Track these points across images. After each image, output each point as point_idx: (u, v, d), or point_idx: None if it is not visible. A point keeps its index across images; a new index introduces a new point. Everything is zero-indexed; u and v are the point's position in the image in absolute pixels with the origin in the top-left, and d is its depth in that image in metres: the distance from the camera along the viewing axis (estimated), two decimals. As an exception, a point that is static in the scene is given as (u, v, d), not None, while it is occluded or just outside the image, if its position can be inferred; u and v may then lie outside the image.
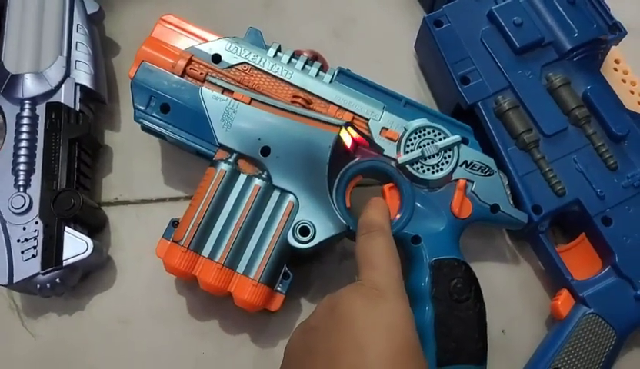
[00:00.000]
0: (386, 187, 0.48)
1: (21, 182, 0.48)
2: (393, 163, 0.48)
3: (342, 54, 0.57)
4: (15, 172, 0.48)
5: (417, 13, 0.60)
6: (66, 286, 0.47)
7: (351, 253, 0.52)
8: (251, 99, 0.47)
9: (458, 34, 0.52)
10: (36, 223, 0.47)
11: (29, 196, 0.47)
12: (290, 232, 0.45)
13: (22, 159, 0.48)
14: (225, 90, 0.47)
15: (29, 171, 0.48)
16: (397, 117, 0.48)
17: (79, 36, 0.53)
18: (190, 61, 0.48)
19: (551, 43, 0.52)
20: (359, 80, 0.50)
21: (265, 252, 0.45)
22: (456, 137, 0.48)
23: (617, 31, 0.53)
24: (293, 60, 0.49)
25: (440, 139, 0.48)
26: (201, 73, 0.47)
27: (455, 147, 0.48)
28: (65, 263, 0.46)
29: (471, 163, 0.48)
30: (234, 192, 0.45)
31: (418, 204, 0.47)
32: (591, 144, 0.50)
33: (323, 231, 0.45)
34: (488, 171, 0.48)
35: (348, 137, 0.47)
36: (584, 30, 0.52)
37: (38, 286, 0.46)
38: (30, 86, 0.50)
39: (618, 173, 0.49)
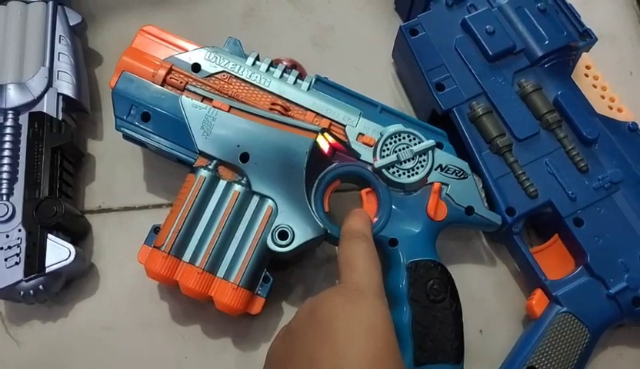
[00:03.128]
0: (363, 191, 0.49)
1: (3, 191, 0.48)
2: (370, 167, 0.49)
3: (321, 63, 0.59)
4: None
5: (394, 22, 0.61)
6: (49, 293, 0.48)
7: (332, 257, 0.53)
8: (230, 107, 0.48)
9: (432, 43, 0.54)
10: (19, 230, 0.48)
11: (12, 204, 0.48)
12: (269, 236, 0.46)
13: (5, 168, 0.49)
14: (204, 98, 0.48)
15: (12, 180, 0.49)
16: (373, 123, 0.50)
17: (62, 47, 0.54)
18: (170, 71, 0.48)
19: (522, 50, 0.53)
20: (336, 87, 0.51)
21: (244, 256, 0.45)
22: (430, 142, 0.49)
23: (587, 37, 0.54)
24: (271, 68, 0.50)
25: (415, 144, 0.49)
26: (181, 82, 0.48)
27: (430, 152, 0.49)
28: (47, 269, 0.46)
29: (446, 166, 0.49)
30: (214, 198, 0.46)
31: (395, 208, 0.48)
32: (563, 148, 0.51)
33: (301, 235, 0.46)
34: (462, 174, 0.49)
35: (325, 142, 0.48)
36: (554, 37, 0.53)
37: (22, 293, 0.47)
38: (13, 96, 0.51)
39: (588, 175, 0.51)
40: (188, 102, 0.48)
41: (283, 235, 0.46)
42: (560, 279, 0.49)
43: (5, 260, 0.47)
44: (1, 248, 0.47)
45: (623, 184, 0.51)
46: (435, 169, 0.49)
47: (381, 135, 0.49)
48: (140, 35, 0.50)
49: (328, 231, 0.47)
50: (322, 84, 0.51)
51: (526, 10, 0.54)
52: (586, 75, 0.57)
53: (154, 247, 0.45)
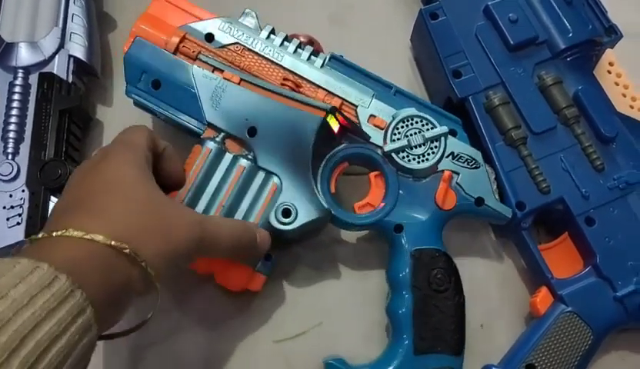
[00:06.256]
0: (372, 174, 0.49)
1: (9, 150, 0.48)
2: (379, 151, 0.48)
3: (338, 41, 0.57)
4: (4, 140, 0.49)
5: (414, 5, 0.60)
6: None
7: (335, 240, 0.52)
8: (241, 79, 0.47)
9: (453, 28, 0.52)
10: (22, 191, 0.47)
11: (17, 164, 0.48)
12: (272, 213, 0.45)
13: (12, 127, 0.49)
14: (215, 69, 0.47)
15: (18, 140, 0.49)
16: (386, 105, 0.49)
17: (76, 8, 0.53)
18: (183, 39, 0.47)
19: (545, 42, 0.52)
20: (351, 66, 0.50)
21: None
22: (443, 129, 0.48)
23: (612, 33, 0.53)
24: (286, 43, 0.49)
25: (428, 129, 0.48)
26: (194, 51, 0.47)
27: (442, 138, 0.48)
28: None
29: (458, 155, 0.48)
30: (219, 171, 0.45)
31: (403, 193, 0.47)
32: (579, 144, 0.50)
33: (305, 214, 0.45)
34: (474, 163, 0.48)
35: (335, 122, 0.47)
36: (579, 30, 0.52)
37: None
38: (24, 55, 0.50)
39: (604, 174, 0.50)
40: (198, 72, 0.47)
41: (286, 213, 0.45)
42: (567, 278, 0.48)
43: (7, 219, 0.47)
44: (4, 208, 0.47)
45: (639, 185, 0.49)
46: (447, 157, 0.48)
47: (393, 118, 0.48)
48: (156, 1, 0.49)
49: (333, 213, 0.46)
50: (337, 63, 0.49)
51: (551, 0, 0.53)
52: (609, 72, 0.55)
53: None
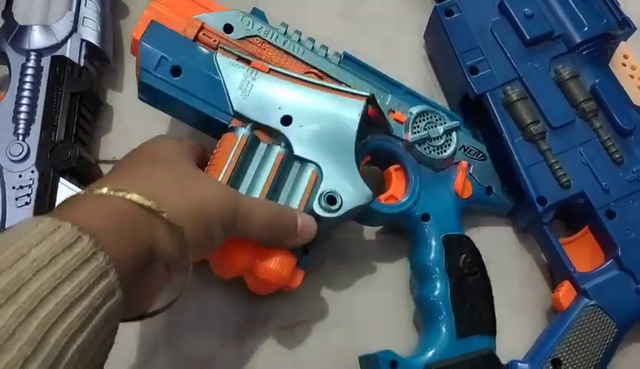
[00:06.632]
0: (392, 168, 0.49)
1: (20, 131, 0.49)
2: (402, 143, 0.49)
3: (349, 36, 0.57)
4: (16, 120, 0.49)
5: (426, 2, 0.60)
6: None
7: (345, 239, 0.51)
8: (270, 69, 0.45)
9: (468, 24, 0.52)
10: (32, 172, 0.48)
11: (27, 145, 0.48)
12: (316, 202, 0.43)
13: (23, 108, 0.49)
14: (239, 58, 0.45)
15: (29, 121, 0.49)
16: (402, 101, 0.50)
17: None
18: (202, 28, 0.45)
19: (560, 36, 0.52)
20: (363, 66, 0.50)
21: None
22: (456, 123, 0.50)
23: (626, 26, 0.53)
24: (302, 39, 0.49)
25: (442, 123, 0.50)
26: (215, 40, 0.45)
27: (455, 132, 0.50)
28: None
29: (468, 148, 0.51)
30: (254, 161, 0.43)
31: (425, 184, 0.48)
32: (598, 138, 0.50)
33: (349, 200, 0.43)
34: (481, 155, 0.51)
35: (371, 110, 0.46)
36: (594, 24, 0.52)
37: None
38: (37, 38, 0.51)
39: (623, 167, 0.50)
40: (224, 60, 0.45)
41: (332, 200, 0.43)
42: (589, 272, 0.48)
43: (16, 199, 0.47)
44: (13, 187, 0.47)
45: (658, 177, 0.49)
46: (459, 149, 0.50)
47: (411, 113, 0.49)
48: None
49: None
50: (349, 62, 0.50)
51: (566, -6, 0.53)
52: (623, 65, 0.56)
53: None
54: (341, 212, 0.43)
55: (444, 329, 0.45)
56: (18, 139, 0.48)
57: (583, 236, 0.50)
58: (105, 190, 0.32)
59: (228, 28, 0.46)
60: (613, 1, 0.53)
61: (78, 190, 0.47)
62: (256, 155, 0.43)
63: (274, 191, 0.43)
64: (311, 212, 0.43)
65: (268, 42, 0.47)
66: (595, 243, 0.50)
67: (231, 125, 0.44)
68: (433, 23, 0.55)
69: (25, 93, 0.49)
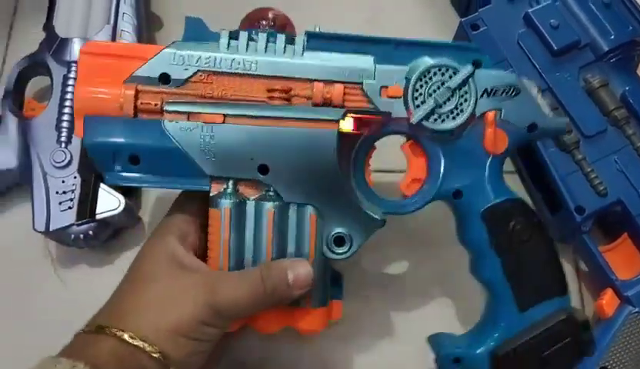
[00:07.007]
0: (406, 145, 0.43)
1: (63, 139, 0.51)
2: (406, 123, 0.41)
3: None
4: (59, 129, 0.51)
5: (448, 17, 0.60)
6: (98, 239, 0.50)
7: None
8: (224, 116, 0.39)
9: (494, 38, 0.53)
10: (74, 177, 0.50)
11: (70, 152, 0.50)
12: (324, 247, 0.41)
13: (66, 117, 0.51)
14: (190, 114, 0.39)
15: (71, 129, 0.51)
16: (393, 66, 0.41)
17: (126, 8, 0.55)
18: (137, 94, 0.39)
19: (587, 45, 0.52)
20: (334, 38, 0.41)
21: None
22: (468, 69, 0.41)
23: (652, 33, 0.53)
24: (251, 42, 0.41)
25: (450, 77, 0.41)
26: (156, 104, 0.39)
27: (470, 81, 0.41)
28: (97, 217, 0.49)
29: (493, 89, 0.41)
30: (248, 227, 0.40)
31: (448, 156, 0.42)
32: (631, 145, 0.50)
33: (358, 236, 0.41)
34: (513, 90, 0.41)
35: (348, 123, 0.41)
36: (620, 32, 0.52)
37: (72, 236, 0.49)
38: (77, 50, 0.52)
39: (658, 173, 0.50)
40: (173, 127, 0.39)
41: (339, 241, 0.41)
42: (631, 279, 0.48)
43: (60, 204, 0.49)
44: (57, 193, 0.49)
45: (693, 182, 0.49)
46: (482, 97, 0.41)
47: (408, 80, 0.41)
48: (82, 59, 0.40)
49: (384, 220, 0.41)
50: (317, 40, 0.41)
51: (590, 3, 0.53)
52: (650, 71, 0.56)
53: None
54: (353, 249, 0.41)
55: (505, 305, 0.41)
56: (61, 147, 0.50)
57: (622, 243, 0.50)
58: (105, 329, 0.37)
59: (165, 78, 0.40)
60: (637, 8, 0.54)
61: (118, 195, 0.49)
62: (248, 219, 0.40)
63: (279, 248, 0.40)
64: (323, 259, 0.41)
65: (212, 72, 0.40)
66: (635, 249, 0.50)
67: (212, 192, 0.40)
68: (459, 38, 0.55)
69: (67, 103, 0.51)
